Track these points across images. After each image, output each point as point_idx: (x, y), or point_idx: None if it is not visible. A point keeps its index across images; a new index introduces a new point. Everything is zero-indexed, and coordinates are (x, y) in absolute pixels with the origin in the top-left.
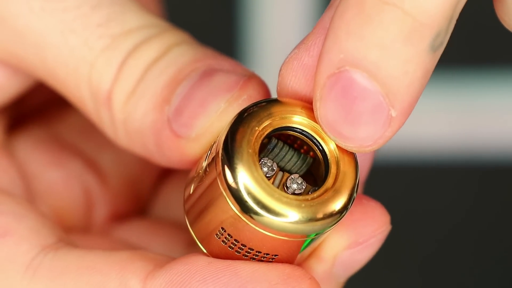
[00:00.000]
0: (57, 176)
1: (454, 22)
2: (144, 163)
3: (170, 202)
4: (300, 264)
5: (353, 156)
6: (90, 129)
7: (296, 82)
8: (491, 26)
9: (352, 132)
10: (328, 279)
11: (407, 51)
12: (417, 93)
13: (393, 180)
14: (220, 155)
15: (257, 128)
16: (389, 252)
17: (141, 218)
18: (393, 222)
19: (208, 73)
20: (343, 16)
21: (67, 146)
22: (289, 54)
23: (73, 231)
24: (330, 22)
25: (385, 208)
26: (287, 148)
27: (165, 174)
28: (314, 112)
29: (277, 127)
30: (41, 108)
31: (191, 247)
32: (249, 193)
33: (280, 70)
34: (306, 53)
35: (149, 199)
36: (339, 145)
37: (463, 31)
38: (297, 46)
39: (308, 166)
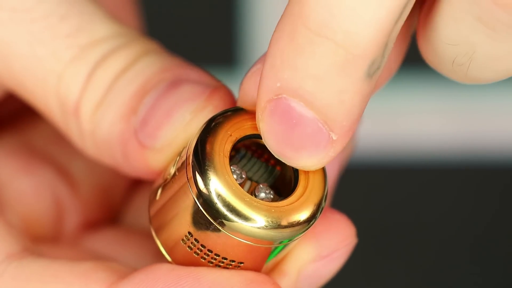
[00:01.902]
0: (27, 183)
1: (391, 45)
2: (116, 171)
3: (142, 210)
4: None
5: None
6: (61, 137)
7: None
8: None
9: (294, 154)
10: None
11: (341, 81)
12: (356, 117)
13: (393, 180)
14: (191, 161)
15: (229, 133)
16: (388, 252)
17: (112, 227)
18: (393, 222)
19: (174, 84)
20: (277, 44)
21: (38, 154)
22: (251, 69)
23: (42, 240)
24: (268, 47)
25: (350, 220)
26: (256, 159)
27: (137, 182)
28: (259, 131)
29: (248, 134)
30: (12, 115)
31: (161, 256)
32: (219, 195)
33: (242, 84)
34: None
35: (121, 207)
36: (286, 163)
37: None
38: (260, 61)
39: (275, 178)
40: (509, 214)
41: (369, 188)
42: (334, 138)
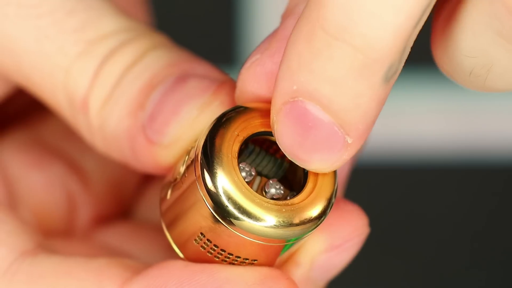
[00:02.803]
0: (39, 179)
1: (408, 51)
2: (126, 166)
3: (154, 204)
4: (277, 268)
5: None
6: (73, 132)
7: (258, 87)
8: None
9: (308, 157)
10: (306, 283)
11: (359, 86)
12: (372, 121)
13: (392, 181)
14: (199, 159)
15: (236, 133)
16: (387, 252)
17: (124, 221)
18: (392, 222)
19: (182, 78)
20: (295, 46)
21: (49, 149)
22: (249, 59)
23: (55, 235)
24: (285, 48)
25: (363, 211)
26: (264, 153)
27: (148, 177)
28: (272, 132)
29: (256, 132)
30: (23, 111)
31: (173, 251)
32: (229, 198)
33: (241, 74)
34: (269, 60)
35: (133, 202)
36: (299, 165)
37: None
38: (258, 51)
39: (285, 172)
40: (508, 214)
41: (368, 188)
42: (349, 141)
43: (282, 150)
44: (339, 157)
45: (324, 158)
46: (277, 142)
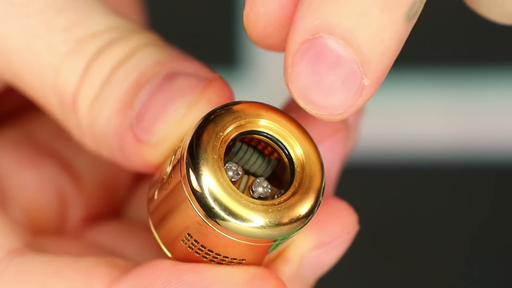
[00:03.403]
0: (30, 177)
1: None
2: (118, 165)
3: (145, 204)
4: (266, 265)
5: (319, 159)
6: (64, 131)
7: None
8: (490, 26)
9: (323, 99)
10: (295, 280)
11: (383, 18)
12: (390, 62)
13: (391, 180)
14: (185, 158)
15: (221, 133)
16: (385, 251)
17: (116, 221)
18: (390, 221)
19: (170, 77)
20: None
21: (41, 148)
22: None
23: (46, 233)
24: None
25: (352, 208)
26: (252, 151)
27: (140, 176)
28: (285, 79)
29: (242, 131)
30: (15, 110)
31: (163, 250)
32: (214, 198)
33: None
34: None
35: (125, 201)
36: (310, 112)
37: (463, 31)
38: None
39: (273, 168)
40: (506, 213)
41: (366, 187)
42: (366, 83)
43: (295, 96)
44: (354, 101)
45: (340, 101)
46: (289, 87)
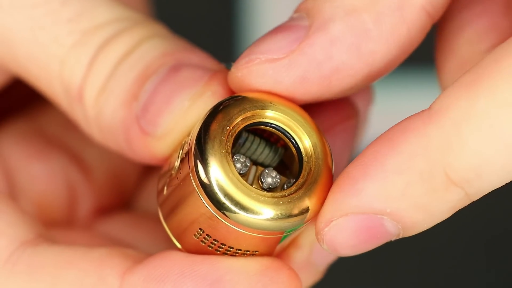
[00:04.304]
0: (40, 169)
1: None
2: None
3: (155, 195)
4: (279, 253)
5: (327, 148)
6: (72, 122)
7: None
8: None
9: (349, 253)
10: (306, 266)
11: (448, 215)
12: None
13: None
14: (192, 150)
15: (228, 126)
16: (384, 250)
17: (126, 212)
18: None
19: (175, 68)
20: (401, 177)
21: (51, 140)
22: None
23: (56, 225)
24: (381, 169)
25: None
26: (259, 140)
27: (150, 168)
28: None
29: (249, 123)
30: (24, 101)
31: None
32: (224, 192)
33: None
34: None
35: (134, 193)
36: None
37: None
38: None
39: (281, 157)
40: (506, 213)
41: None
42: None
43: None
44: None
45: (361, 249)
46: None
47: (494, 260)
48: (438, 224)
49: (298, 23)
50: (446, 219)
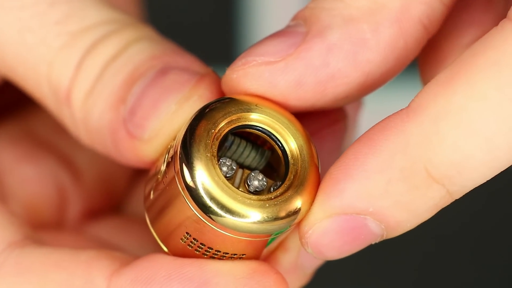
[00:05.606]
0: (29, 171)
1: None
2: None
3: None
4: (266, 256)
5: (313, 150)
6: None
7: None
8: None
9: (336, 256)
10: (294, 270)
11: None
12: None
13: None
14: (178, 154)
15: (213, 130)
16: (382, 250)
17: (115, 215)
18: None
19: (162, 72)
20: (382, 175)
21: (41, 143)
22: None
23: (45, 228)
24: (362, 168)
25: None
26: (245, 143)
27: (140, 171)
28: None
29: (235, 126)
30: (15, 104)
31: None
32: (209, 194)
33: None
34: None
35: (124, 196)
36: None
37: None
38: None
39: (267, 160)
40: (506, 213)
41: None
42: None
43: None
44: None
45: (346, 252)
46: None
47: (494, 260)
48: (438, 225)
49: (296, 29)
50: (448, 222)
